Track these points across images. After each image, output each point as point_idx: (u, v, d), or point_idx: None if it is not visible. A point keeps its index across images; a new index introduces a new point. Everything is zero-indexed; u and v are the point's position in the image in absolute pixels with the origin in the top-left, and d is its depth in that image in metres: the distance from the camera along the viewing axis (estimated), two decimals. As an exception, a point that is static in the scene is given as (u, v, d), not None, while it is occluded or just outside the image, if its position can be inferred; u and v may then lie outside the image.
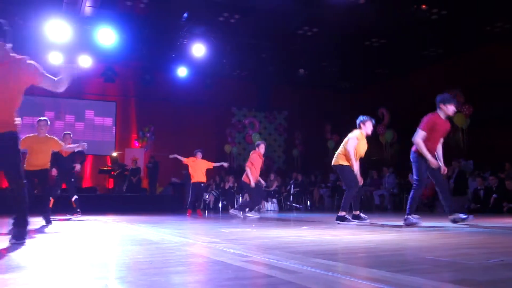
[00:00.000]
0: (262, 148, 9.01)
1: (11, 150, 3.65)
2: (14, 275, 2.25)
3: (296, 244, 3.60)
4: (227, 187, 13.44)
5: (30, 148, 6.30)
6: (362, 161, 6.79)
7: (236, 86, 16.03)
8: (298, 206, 13.42)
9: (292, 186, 13.79)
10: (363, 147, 6.45)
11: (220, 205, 13.27)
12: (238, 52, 13.28)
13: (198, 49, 12.23)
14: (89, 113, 15.13)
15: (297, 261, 2.55)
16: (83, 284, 2.02)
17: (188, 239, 4.04)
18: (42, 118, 6.51)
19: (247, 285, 1.92)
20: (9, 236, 3.64)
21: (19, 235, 3.63)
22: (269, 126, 17.38)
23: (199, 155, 9.77)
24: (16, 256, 3.04)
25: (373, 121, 6.50)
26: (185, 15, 11.12)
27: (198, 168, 9.62)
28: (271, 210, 13.10)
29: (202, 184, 9.89)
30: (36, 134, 6.36)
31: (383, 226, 5.78)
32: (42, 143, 6.31)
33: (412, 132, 5.77)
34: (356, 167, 6.35)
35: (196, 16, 11.27)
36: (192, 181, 9.64)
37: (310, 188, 14.66)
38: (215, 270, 2.38)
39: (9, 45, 3.63)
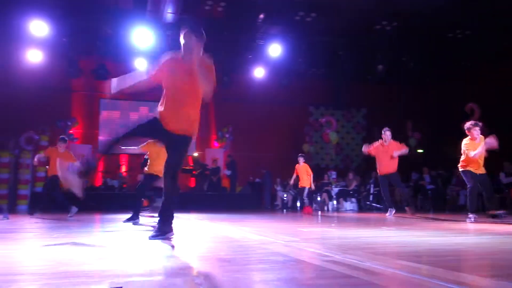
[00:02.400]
0: (387, 135, 9.44)
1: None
2: (101, 267, 2.42)
3: (378, 245, 3.51)
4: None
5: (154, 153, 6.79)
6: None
7: (312, 85, 15.91)
8: (378, 206, 13.04)
9: (372, 185, 13.43)
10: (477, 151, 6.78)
11: (298, 204, 13.26)
12: (314, 50, 13.18)
13: (275, 49, 12.34)
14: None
15: (380, 262, 2.49)
16: (168, 279, 2.12)
17: (268, 238, 4.09)
18: None
19: (329, 285, 1.91)
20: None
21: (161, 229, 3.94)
22: (347, 124, 17.01)
23: (301, 160, 10.54)
24: (98, 249, 3.26)
25: (479, 125, 6.84)
26: (262, 16, 11.25)
27: (301, 172, 10.48)
28: (350, 210, 12.87)
29: (306, 188, 10.60)
30: None
31: (474, 227, 5.47)
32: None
33: (503, 127, 5.41)
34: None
35: (272, 17, 11.36)
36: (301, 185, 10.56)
37: (390, 187, 14.16)
38: (296, 269, 2.39)
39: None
